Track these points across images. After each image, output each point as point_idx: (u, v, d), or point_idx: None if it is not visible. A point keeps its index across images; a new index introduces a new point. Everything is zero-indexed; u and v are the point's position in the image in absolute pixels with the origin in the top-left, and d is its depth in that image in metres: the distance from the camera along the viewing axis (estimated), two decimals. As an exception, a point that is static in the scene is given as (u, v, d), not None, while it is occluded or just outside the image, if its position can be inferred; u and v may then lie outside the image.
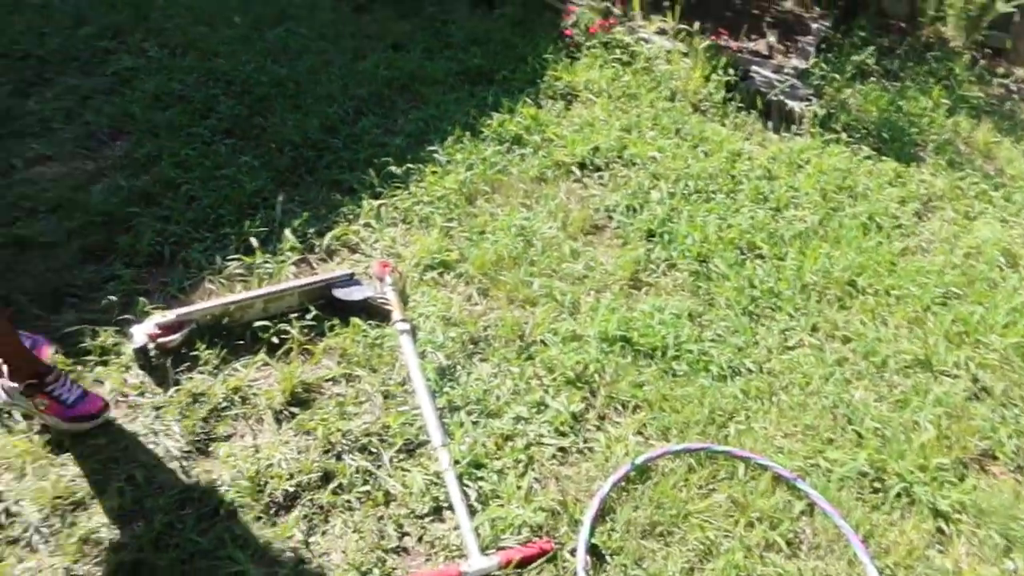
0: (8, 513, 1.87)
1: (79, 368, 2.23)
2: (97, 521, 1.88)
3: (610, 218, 3.17)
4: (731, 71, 4.00)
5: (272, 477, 2.02)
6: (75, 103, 3.31)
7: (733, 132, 3.82)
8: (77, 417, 2.03)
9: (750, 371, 2.56)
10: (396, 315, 2.47)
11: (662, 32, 4.28)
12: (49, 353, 2.22)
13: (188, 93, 3.42)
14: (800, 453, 2.30)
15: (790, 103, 3.98)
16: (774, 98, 3.97)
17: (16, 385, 2.01)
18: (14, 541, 1.83)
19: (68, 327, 2.32)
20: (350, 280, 2.55)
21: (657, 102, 3.92)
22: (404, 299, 2.57)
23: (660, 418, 2.33)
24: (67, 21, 3.84)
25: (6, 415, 2.09)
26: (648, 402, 2.38)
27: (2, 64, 3.45)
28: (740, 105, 3.97)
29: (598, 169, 3.43)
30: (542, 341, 2.53)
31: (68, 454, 2.02)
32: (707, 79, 4.01)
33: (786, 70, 4.15)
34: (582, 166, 3.42)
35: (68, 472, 1.97)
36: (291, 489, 2.00)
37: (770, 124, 3.95)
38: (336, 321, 2.47)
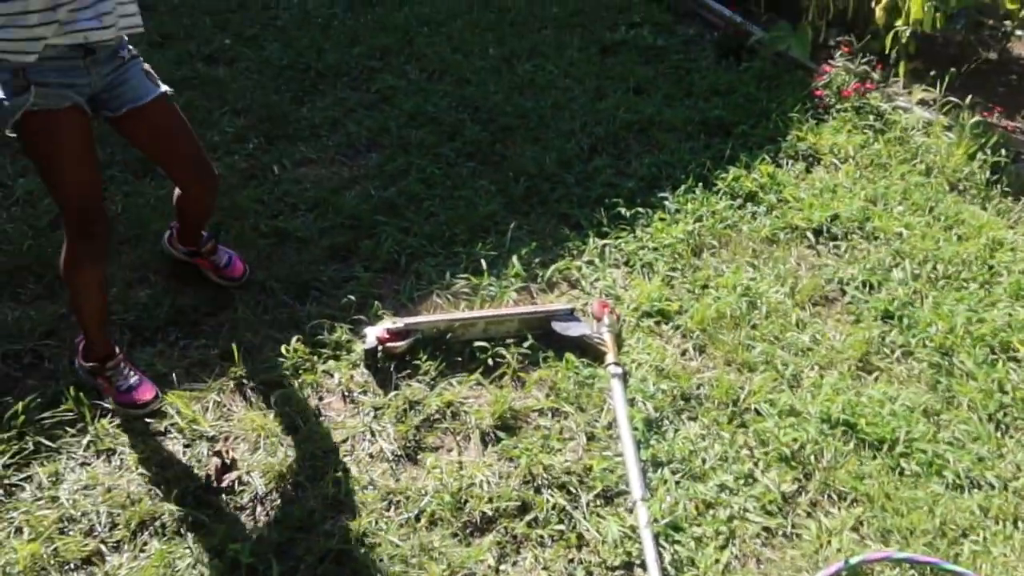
0: (240, 481, 2.04)
1: (314, 359, 2.41)
2: (312, 504, 2.00)
3: (843, 292, 2.97)
4: (1002, 152, 3.65)
5: (472, 497, 2.05)
6: (341, 114, 3.61)
7: (996, 218, 3.46)
8: (124, 403, 2.21)
9: (992, 486, 2.28)
10: (610, 357, 2.44)
11: (924, 103, 3.99)
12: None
13: (439, 115, 3.63)
14: (1048, 593, 2.01)
15: (1068, 193, 3.56)
16: (1049, 186, 3.57)
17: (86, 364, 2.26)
18: (241, 508, 1.99)
19: (311, 319, 2.51)
20: (570, 315, 2.56)
21: (909, 175, 3.65)
22: (619, 342, 2.54)
23: (881, 518, 2.13)
24: (343, 40, 4.21)
25: (249, 391, 2.29)
26: (869, 497, 2.18)
27: (287, 74, 3.84)
28: (1007, 190, 3.59)
29: (835, 238, 3.24)
30: (756, 410, 2.40)
31: (296, 436, 2.17)
32: (971, 157, 3.68)
33: (1067, 157, 3.73)
34: (817, 232, 3.24)
35: (294, 453, 2.12)
36: (489, 512, 2.02)
37: (1040, 214, 3.55)
38: (551, 353, 2.49)
